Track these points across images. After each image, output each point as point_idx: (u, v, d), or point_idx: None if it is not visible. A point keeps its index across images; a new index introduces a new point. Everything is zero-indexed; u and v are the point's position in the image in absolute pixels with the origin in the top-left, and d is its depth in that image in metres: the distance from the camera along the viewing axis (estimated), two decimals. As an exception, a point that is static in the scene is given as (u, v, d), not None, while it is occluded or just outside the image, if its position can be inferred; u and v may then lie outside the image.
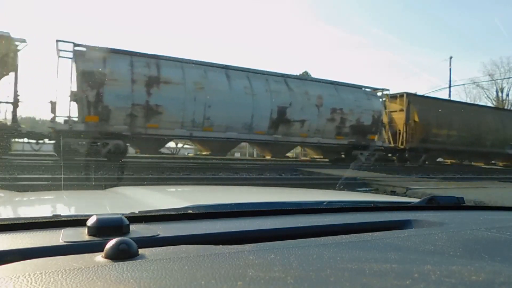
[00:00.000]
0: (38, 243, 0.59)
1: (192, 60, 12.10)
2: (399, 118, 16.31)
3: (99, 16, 65.44)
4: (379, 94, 16.07)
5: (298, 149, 20.62)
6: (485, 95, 39.28)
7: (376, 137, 15.34)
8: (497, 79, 37.82)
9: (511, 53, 63.03)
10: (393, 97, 16.57)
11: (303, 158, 19.92)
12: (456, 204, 1.21)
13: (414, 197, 3.48)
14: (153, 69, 11.18)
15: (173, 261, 0.50)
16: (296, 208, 1.03)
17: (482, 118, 18.85)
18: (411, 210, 1.11)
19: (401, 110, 16.26)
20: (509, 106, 36.30)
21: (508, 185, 9.03)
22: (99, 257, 0.51)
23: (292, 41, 67.99)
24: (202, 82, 11.76)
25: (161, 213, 0.86)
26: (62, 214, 0.78)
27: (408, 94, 16.69)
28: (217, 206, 1.10)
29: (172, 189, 2.24)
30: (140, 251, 0.53)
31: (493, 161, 21.50)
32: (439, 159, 19.57)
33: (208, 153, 14.09)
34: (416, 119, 16.27)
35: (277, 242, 0.64)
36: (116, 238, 0.54)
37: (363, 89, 15.50)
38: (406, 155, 16.16)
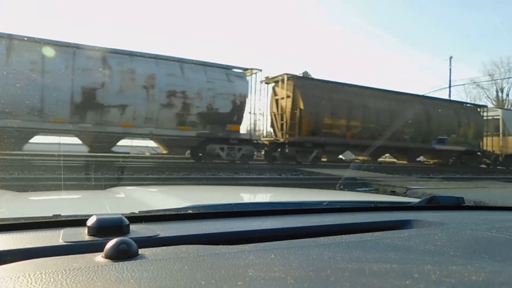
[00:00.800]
0: (38, 243, 0.59)
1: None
2: (287, 107, 13.63)
3: (99, 16, 65.45)
4: (247, 75, 13.15)
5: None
6: (485, 95, 39.31)
7: (239, 128, 12.65)
8: (497, 79, 37.84)
9: (511, 53, 63.03)
10: (281, 80, 13.86)
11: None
12: (456, 204, 1.21)
13: (414, 197, 3.48)
14: None
15: (173, 261, 0.50)
16: (296, 208, 1.03)
17: (398, 107, 15.63)
18: (411, 210, 1.11)
19: (288, 96, 13.60)
20: (509, 106, 36.31)
21: (508, 185, 9.03)
22: (99, 257, 0.51)
23: (292, 41, 68.00)
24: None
25: (161, 213, 0.86)
26: (62, 214, 0.78)
27: (292, 77, 13.82)
28: (217, 206, 1.10)
29: (172, 189, 2.23)
30: (140, 251, 0.53)
31: (419, 159, 19.04)
32: (341, 156, 16.89)
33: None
34: (301, 106, 13.29)
35: (277, 242, 0.64)
36: (116, 238, 0.54)
37: (225, 69, 12.65)
38: (287, 151, 13.37)
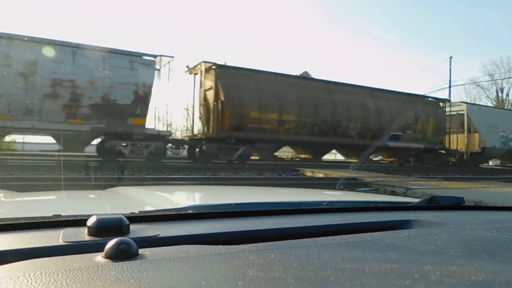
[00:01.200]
0: (38, 243, 0.59)
1: None
2: (210, 99, 12.34)
3: (99, 16, 65.44)
4: (156, 62, 11.64)
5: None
6: (485, 95, 39.32)
7: (144, 121, 11.26)
8: (497, 79, 37.85)
9: (511, 53, 63.06)
10: (205, 70, 12.40)
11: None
12: (456, 204, 1.21)
13: (414, 197, 3.48)
14: None
15: (173, 261, 0.50)
16: (296, 208, 1.03)
17: (343, 99, 14.10)
18: (411, 210, 1.11)
19: (211, 87, 12.27)
20: (509, 106, 36.31)
21: (508, 185, 9.03)
22: (99, 257, 0.51)
23: (292, 41, 67.99)
24: None
25: (161, 213, 0.86)
26: (62, 214, 0.78)
27: (214, 65, 12.18)
28: (217, 206, 1.10)
29: (172, 189, 2.24)
30: (140, 251, 0.53)
31: (376, 158, 17.71)
32: (280, 154, 15.30)
33: None
34: (222, 98, 12.01)
35: (277, 242, 0.64)
36: (116, 238, 0.54)
37: (129, 55, 11.14)
38: (204, 148, 12.00)
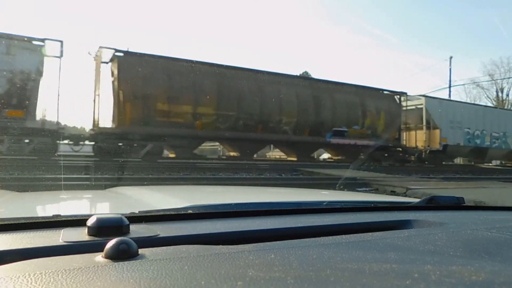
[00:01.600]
0: (38, 243, 0.59)
1: None
2: (114, 89, 10.92)
3: (99, 16, 65.43)
4: (50, 48, 9.90)
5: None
6: (485, 95, 39.30)
7: (23, 114, 9.73)
8: (497, 79, 37.82)
9: (511, 53, 63.11)
10: (112, 59, 10.78)
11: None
12: (456, 204, 1.21)
13: (414, 197, 3.48)
14: None
15: (173, 261, 0.50)
16: (296, 208, 1.03)
17: (273, 91, 12.52)
18: (411, 210, 1.11)
19: (115, 76, 10.81)
20: (509, 106, 36.31)
21: (508, 185, 9.03)
22: (99, 257, 0.51)
23: (292, 41, 67.98)
24: None
25: (161, 213, 0.86)
26: (62, 214, 0.78)
27: (115, 52, 10.64)
28: (217, 206, 1.10)
29: (172, 189, 2.23)
30: (140, 251, 0.53)
31: (323, 156, 16.35)
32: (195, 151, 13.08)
33: None
34: (123, 88, 10.59)
35: (277, 242, 0.64)
36: (116, 238, 0.54)
37: (5, 39, 9.57)
38: (105, 144, 10.45)
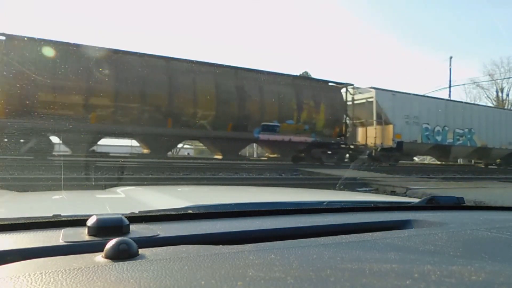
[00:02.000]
0: (38, 243, 0.59)
1: None
2: None
3: (99, 16, 65.41)
4: None
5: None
6: (485, 95, 39.28)
7: None
8: (497, 79, 37.77)
9: (511, 53, 63.09)
10: None
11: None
12: (456, 204, 1.21)
13: (414, 197, 3.48)
14: None
15: (173, 261, 0.50)
16: (296, 208, 1.03)
17: (184, 80, 11.02)
18: (411, 210, 1.11)
19: None
20: (509, 106, 36.31)
21: (508, 185, 9.03)
22: (99, 257, 0.51)
23: (292, 41, 67.94)
24: None
25: (161, 213, 0.86)
26: (62, 214, 0.78)
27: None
28: (217, 206, 1.10)
29: (172, 189, 2.23)
30: (140, 251, 0.53)
31: (243, 152, 14.61)
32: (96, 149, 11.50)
33: None
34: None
35: (277, 242, 0.64)
36: (116, 238, 0.54)
37: None
38: None
